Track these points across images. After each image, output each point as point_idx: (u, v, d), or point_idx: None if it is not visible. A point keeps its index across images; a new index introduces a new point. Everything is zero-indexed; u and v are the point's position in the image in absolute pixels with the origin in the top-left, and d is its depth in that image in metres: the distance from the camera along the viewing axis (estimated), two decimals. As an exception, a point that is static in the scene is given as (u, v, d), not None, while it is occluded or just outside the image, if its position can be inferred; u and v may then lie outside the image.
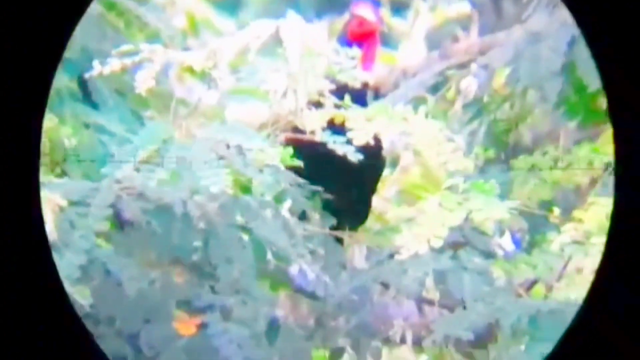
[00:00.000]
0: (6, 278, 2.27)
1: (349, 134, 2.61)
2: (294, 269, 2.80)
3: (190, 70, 2.67)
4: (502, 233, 2.77)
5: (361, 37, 2.83)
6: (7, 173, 2.32)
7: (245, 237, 2.65)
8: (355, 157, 2.59)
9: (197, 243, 2.62)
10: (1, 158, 2.31)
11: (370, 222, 2.99)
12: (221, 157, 2.58)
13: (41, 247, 2.35)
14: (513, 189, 2.79)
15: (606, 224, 2.47)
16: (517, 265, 2.59)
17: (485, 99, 2.88)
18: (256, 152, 2.66)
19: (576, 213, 2.55)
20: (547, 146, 2.82)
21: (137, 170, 2.57)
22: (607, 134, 2.64)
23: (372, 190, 2.95)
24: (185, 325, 2.57)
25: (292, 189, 2.77)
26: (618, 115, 2.27)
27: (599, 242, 2.49)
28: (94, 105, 2.86)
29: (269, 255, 2.70)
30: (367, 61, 2.81)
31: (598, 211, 2.52)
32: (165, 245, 2.60)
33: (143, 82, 2.61)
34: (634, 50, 2.22)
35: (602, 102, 2.77)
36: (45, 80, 2.35)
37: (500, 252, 2.74)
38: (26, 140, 2.33)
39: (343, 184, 2.85)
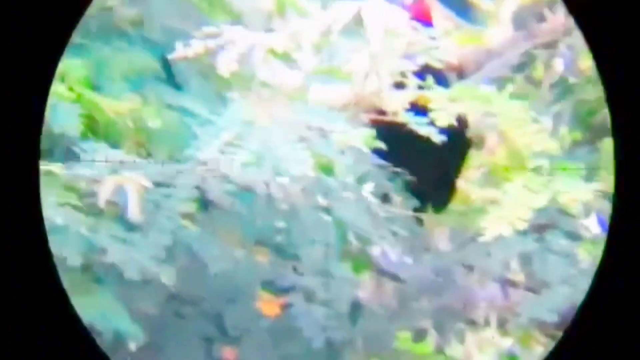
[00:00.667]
0: (6, 277, 2.28)
1: (432, 115, 2.59)
2: (376, 251, 2.80)
3: (273, 52, 2.67)
4: (588, 215, 2.73)
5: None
6: (8, 170, 2.34)
7: (328, 218, 2.66)
8: (438, 138, 2.58)
9: (280, 224, 2.63)
10: (2, 154, 2.32)
11: (454, 204, 2.97)
12: (303, 139, 2.58)
13: (41, 245, 2.36)
14: (599, 171, 2.74)
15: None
16: (602, 247, 2.55)
17: (571, 79, 2.84)
18: (338, 134, 2.66)
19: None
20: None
21: (221, 152, 2.58)
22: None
23: (457, 172, 2.93)
24: (269, 306, 2.59)
25: (374, 171, 2.77)
26: (618, 115, 2.23)
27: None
28: (178, 87, 2.87)
29: (351, 237, 2.70)
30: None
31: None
32: (249, 226, 2.62)
33: (226, 65, 2.61)
34: (634, 50, 2.19)
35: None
36: (46, 76, 2.36)
37: (586, 234, 2.69)
38: (27, 133, 2.34)
39: (426, 166, 2.84)
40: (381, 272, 2.81)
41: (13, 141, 2.29)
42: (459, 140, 2.83)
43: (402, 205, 2.84)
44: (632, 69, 2.23)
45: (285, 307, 2.57)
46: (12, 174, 2.29)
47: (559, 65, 2.83)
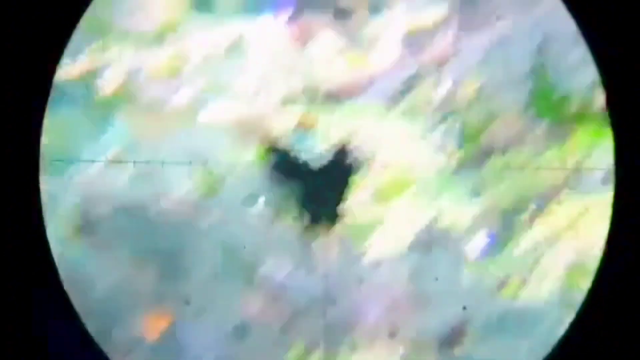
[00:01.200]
0: (6, 277, 2.27)
1: (319, 135, 2.61)
2: (266, 267, 2.80)
3: (160, 71, 2.66)
4: (474, 232, 2.77)
5: None
6: (8, 173, 2.33)
7: (217, 236, 2.66)
8: (325, 157, 2.59)
9: (168, 242, 2.62)
10: (2, 159, 2.31)
11: (344, 222, 2.99)
12: (191, 157, 2.58)
13: (41, 244, 2.35)
14: (485, 188, 2.79)
15: (577, 221, 2.48)
16: (488, 264, 2.59)
17: (458, 100, 2.88)
18: (227, 152, 2.66)
19: (547, 211, 2.55)
20: (519, 146, 2.81)
21: (106, 169, 2.56)
22: (577, 134, 2.65)
23: (345, 190, 2.95)
24: (154, 324, 2.58)
25: (263, 189, 2.77)
26: (618, 115, 2.27)
27: (569, 239, 2.49)
28: (64, 105, 2.84)
29: (241, 254, 2.70)
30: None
31: (569, 209, 2.53)
32: (135, 244, 2.61)
33: (111, 82, 2.60)
34: (633, 50, 2.22)
35: (572, 105, 2.77)
36: (46, 81, 2.36)
37: (472, 252, 2.73)
38: (27, 140, 2.33)
39: (315, 184, 2.86)
40: (270, 289, 2.81)
41: (13, 141, 2.28)
42: (347, 160, 2.85)
43: (292, 222, 2.85)
44: (632, 68, 2.25)
45: (172, 325, 2.56)
46: (12, 173, 2.28)
47: (445, 86, 2.87)
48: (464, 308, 2.52)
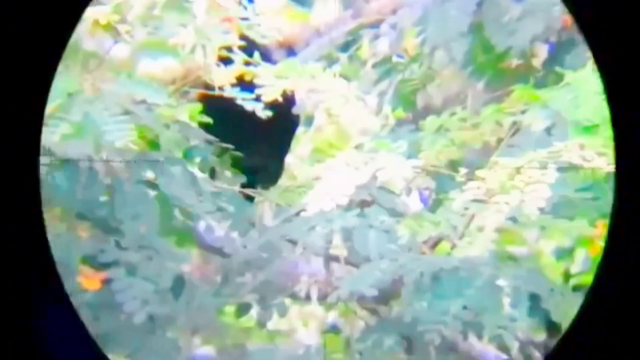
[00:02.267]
0: (6, 277, 2.24)
1: (258, 91, 2.58)
2: (201, 226, 2.78)
3: (98, 23, 2.61)
4: (409, 192, 2.77)
5: None
6: (7, 173, 2.29)
7: (152, 193, 2.63)
8: (264, 113, 2.57)
9: (103, 198, 2.58)
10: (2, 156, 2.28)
11: (282, 181, 2.98)
12: (127, 112, 2.54)
13: (41, 245, 2.32)
14: (421, 149, 2.79)
15: (507, 183, 2.49)
16: (421, 223, 2.59)
17: (395, 59, 2.88)
18: (164, 108, 2.63)
19: (480, 172, 2.56)
20: (455, 106, 2.81)
21: (43, 124, 2.51)
22: (515, 94, 2.65)
23: (285, 148, 2.93)
24: (89, 280, 2.54)
25: (201, 146, 2.75)
26: (618, 115, 2.27)
27: (500, 201, 2.50)
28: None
29: (176, 212, 2.67)
30: None
31: (501, 171, 2.54)
32: (71, 200, 2.56)
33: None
34: (634, 50, 2.23)
35: (510, 62, 2.78)
36: (46, 76, 2.32)
37: (406, 211, 2.74)
38: (26, 140, 2.30)
39: (254, 142, 2.84)
40: (206, 247, 2.80)
41: (13, 141, 2.24)
42: (286, 117, 2.83)
43: (229, 181, 2.83)
44: (633, 68, 2.25)
45: (106, 281, 2.53)
46: (12, 173, 2.24)
47: (383, 44, 2.86)
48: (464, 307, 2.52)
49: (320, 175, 2.60)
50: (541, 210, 2.50)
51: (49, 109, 2.52)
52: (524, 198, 2.50)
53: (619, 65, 2.23)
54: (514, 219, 2.55)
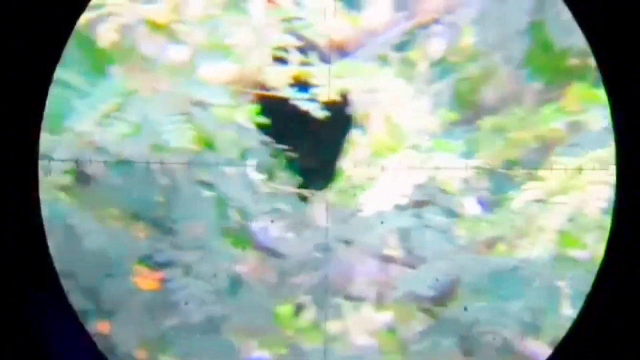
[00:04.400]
0: (6, 277, 2.24)
1: (314, 91, 2.55)
2: (257, 226, 2.75)
3: (155, 24, 2.60)
4: (466, 192, 2.72)
5: None
6: (6, 174, 2.29)
7: (208, 193, 2.60)
8: (320, 113, 2.54)
9: (159, 198, 2.56)
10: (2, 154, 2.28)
11: (337, 181, 2.93)
12: (184, 113, 2.52)
13: (41, 245, 2.32)
14: (478, 148, 2.74)
15: (568, 182, 2.44)
16: (479, 223, 2.55)
17: (451, 58, 2.82)
18: (221, 109, 2.61)
19: (539, 172, 2.50)
20: (512, 106, 2.76)
21: (99, 124, 2.50)
22: (572, 92, 2.59)
23: (340, 149, 2.89)
24: (146, 280, 2.52)
25: (257, 147, 2.71)
26: (619, 115, 2.23)
27: (560, 201, 2.45)
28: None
29: (232, 212, 2.64)
30: None
31: (561, 170, 2.48)
32: (127, 199, 2.55)
33: (106, 36, 2.54)
34: (634, 50, 2.19)
35: (569, 61, 2.71)
36: (46, 75, 2.31)
37: (463, 211, 2.68)
38: (26, 140, 2.30)
39: (310, 143, 2.80)
40: (262, 248, 2.76)
41: (13, 141, 2.25)
42: (341, 118, 2.79)
43: (285, 181, 2.79)
44: (633, 68, 2.21)
45: (163, 281, 2.51)
46: (12, 173, 2.25)
47: (439, 44, 2.81)
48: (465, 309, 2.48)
49: (376, 176, 2.56)
50: (602, 210, 2.44)
51: (105, 108, 2.51)
52: (584, 198, 2.44)
53: (620, 64, 2.19)
54: (574, 220, 2.49)
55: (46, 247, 2.30)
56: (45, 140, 2.52)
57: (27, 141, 2.29)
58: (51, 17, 2.26)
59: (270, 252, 2.77)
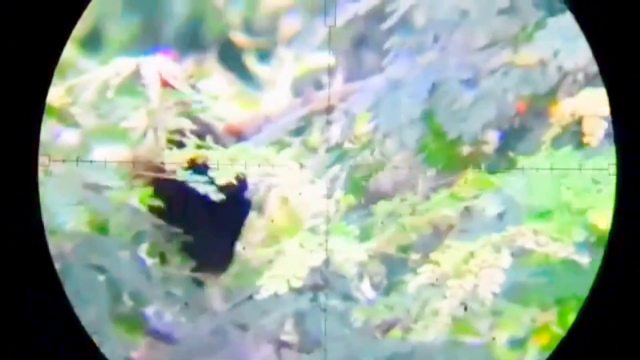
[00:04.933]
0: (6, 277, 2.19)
1: (211, 173, 2.56)
2: (150, 311, 2.71)
3: (49, 107, 2.58)
4: (361, 277, 2.74)
5: None
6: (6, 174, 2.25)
7: (101, 277, 2.57)
8: (217, 196, 2.54)
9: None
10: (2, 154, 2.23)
11: (233, 265, 2.93)
12: (78, 195, 2.49)
13: (41, 246, 2.28)
14: (373, 233, 2.76)
15: (462, 267, 2.47)
16: (375, 308, 2.56)
17: (346, 144, 2.86)
18: (114, 191, 2.59)
19: (433, 256, 2.54)
20: (406, 192, 2.80)
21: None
22: (468, 179, 2.65)
23: (236, 233, 2.88)
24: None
25: (151, 230, 2.70)
26: (620, 116, 2.28)
27: (455, 285, 2.48)
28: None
29: (125, 297, 2.61)
30: None
31: (454, 254, 2.52)
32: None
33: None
34: (635, 50, 2.24)
35: (462, 149, 2.78)
36: (46, 76, 2.28)
37: (359, 296, 2.70)
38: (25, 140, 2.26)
39: (206, 226, 2.79)
40: (154, 333, 2.72)
41: (13, 141, 2.19)
42: (238, 201, 2.79)
43: (178, 265, 2.77)
44: (634, 68, 2.24)
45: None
46: (11, 174, 2.19)
47: (335, 130, 2.85)
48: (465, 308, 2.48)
49: (273, 258, 2.56)
50: (495, 294, 2.48)
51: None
52: (478, 282, 2.48)
53: (620, 65, 2.24)
54: (467, 306, 2.53)
55: (46, 248, 2.26)
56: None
57: (26, 140, 2.26)
58: (50, 16, 2.25)
59: (164, 338, 2.74)
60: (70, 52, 3.20)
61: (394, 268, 2.74)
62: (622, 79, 2.25)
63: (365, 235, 2.71)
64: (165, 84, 2.62)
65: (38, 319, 2.23)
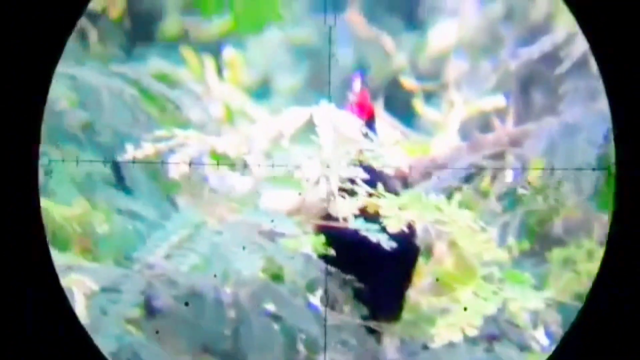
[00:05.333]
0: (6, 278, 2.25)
1: (382, 222, 2.57)
2: (324, 359, 2.73)
3: (224, 156, 2.64)
4: (536, 325, 2.70)
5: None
6: (8, 171, 2.32)
7: (276, 325, 2.61)
8: (388, 244, 2.55)
9: (228, 331, 2.57)
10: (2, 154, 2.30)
11: (405, 313, 2.92)
12: (253, 243, 2.54)
13: (41, 246, 2.34)
14: (548, 281, 2.73)
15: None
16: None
17: (519, 190, 2.83)
18: (288, 239, 2.63)
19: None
20: (582, 238, 2.76)
21: (169, 256, 2.53)
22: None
23: (406, 280, 2.89)
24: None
25: (323, 277, 2.72)
26: (620, 117, 2.24)
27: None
28: (127, 191, 2.83)
29: (300, 345, 2.64)
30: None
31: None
32: (196, 332, 2.56)
33: (176, 167, 2.59)
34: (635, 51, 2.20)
35: None
36: (45, 76, 2.33)
37: (534, 345, 2.66)
38: (25, 141, 2.32)
39: (376, 274, 2.80)
40: (329, 381, 2.74)
41: (12, 141, 2.28)
42: (408, 248, 2.79)
43: (351, 313, 2.78)
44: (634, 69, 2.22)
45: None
46: (11, 174, 2.28)
47: (507, 176, 2.83)
48: None
49: (447, 307, 2.55)
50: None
51: (176, 240, 2.54)
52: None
53: (621, 66, 2.19)
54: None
55: (46, 248, 2.30)
56: (115, 273, 2.55)
57: (26, 141, 2.30)
58: (51, 17, 2.29)
59: (338, 386, 2.75)
60: (240, 100, 3.28)
61: (569, 317, 2.69)
62: (623, 79, 2.19)
63: (540, 283, 2.67)
64: (337, 133, 2.66)
65: (38, 322, 2.25)
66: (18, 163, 2.34)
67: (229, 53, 3.56)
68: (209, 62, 3.50)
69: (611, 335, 2.22)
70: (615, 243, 2.30)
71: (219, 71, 3.54)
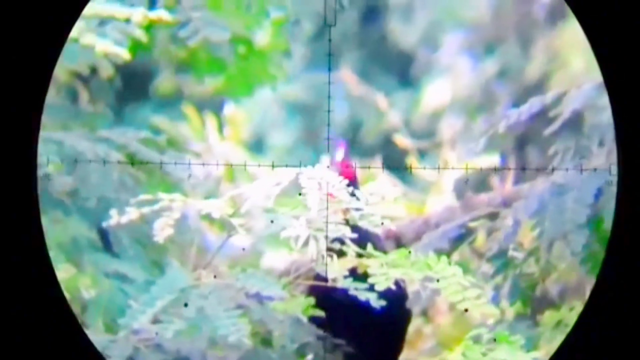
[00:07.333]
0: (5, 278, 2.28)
1: (371, 279, 2.62)
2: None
3: (210, 218, 2.70)
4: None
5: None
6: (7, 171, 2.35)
7: (264, 388, 2.64)
8: (378, 303, 2.60)
9: (215, 394, 2.60)
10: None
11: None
12: (240, 306, 2.58)
13: (40, 247, 2.37)
14: (539, 344, 2.77)
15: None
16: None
17: (510, 252, 2.89)
18: (277, 302, 2.67)
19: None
20: (574, 301, 2.81)
21: (155, 321, 2.57)
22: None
23: (399, 341, 2.92)
24: None
25: (313, 341, 2.76)
26: (621, 117, 2.28)
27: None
28: (114, 255, 2.89)
29: (288, 410, 2.67)
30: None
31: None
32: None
33: (161, 231, 2.64)
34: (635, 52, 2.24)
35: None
36: (45, 76, 2.36)
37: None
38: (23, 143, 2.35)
39: (368, 336, 2.84)
40: None
41: (11, 142, 2.30)
42: (399, 312, 2.84)
43: (342, 375, 2.82)
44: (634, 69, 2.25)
45: None
46: (10, 176, 2.31)
47: (498, 237, 2.88)
48: None
49: (439, 369, 2.59)
50: None
51: (161, 305, 2.58)
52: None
53: (621, 66, 2.22)
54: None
55: (46, 249, 2.32)
56: (101, 339, 2.60)
57: (25, 143, 2.31)
58: (49, 17, 2.30)
59: None
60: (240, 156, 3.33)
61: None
62: (624, 79, 2.22)
63: (531, 345, 2.71)
64: (325, 193, 2.71)
65: (37, 324, 2.27)
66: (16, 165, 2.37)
67: (229, 110, 3.62)
68: (211, 119, 3.57)
69: (611, 336, 2.25)
70: (615, 243, 2.33)
71: (220, 128, 3.60)
